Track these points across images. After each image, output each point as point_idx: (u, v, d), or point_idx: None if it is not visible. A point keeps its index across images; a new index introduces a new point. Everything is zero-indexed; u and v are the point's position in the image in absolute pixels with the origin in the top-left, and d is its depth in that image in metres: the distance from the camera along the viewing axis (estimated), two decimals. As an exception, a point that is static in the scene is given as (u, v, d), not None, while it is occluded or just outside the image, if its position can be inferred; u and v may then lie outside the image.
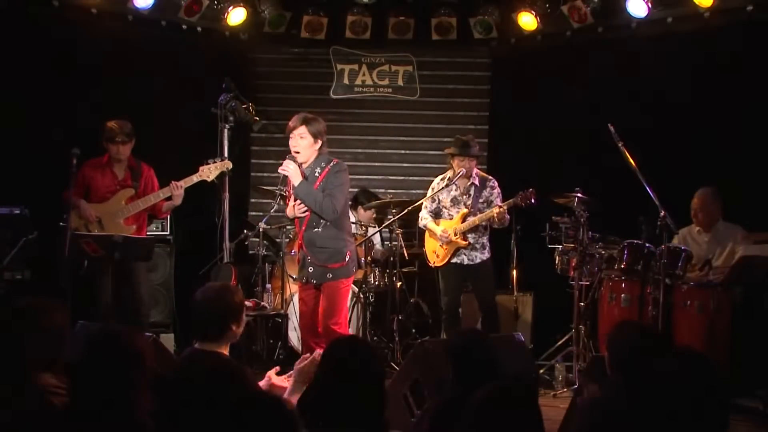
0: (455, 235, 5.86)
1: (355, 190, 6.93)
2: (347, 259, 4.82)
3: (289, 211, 4.96)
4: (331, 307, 4.79)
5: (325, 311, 4.80)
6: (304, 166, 4.82)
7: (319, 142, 4.81)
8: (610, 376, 3.09)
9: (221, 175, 5.59)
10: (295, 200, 4.86)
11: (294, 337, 6.17)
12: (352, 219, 6.81)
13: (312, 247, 4.81)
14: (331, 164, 4.83)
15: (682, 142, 6.48)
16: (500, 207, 5.73)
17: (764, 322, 5.14)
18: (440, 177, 6.08)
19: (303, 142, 4.77)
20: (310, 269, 4.83)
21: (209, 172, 5.49)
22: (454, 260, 5.94)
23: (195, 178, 5.49)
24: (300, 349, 6.08)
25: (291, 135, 4.81)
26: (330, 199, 4.73)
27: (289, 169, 4.78)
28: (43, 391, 2.53)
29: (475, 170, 6.01)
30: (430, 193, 6.08)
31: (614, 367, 3.05)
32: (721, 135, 6.32)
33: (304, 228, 4.85)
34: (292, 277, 6.48)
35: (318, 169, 4.82)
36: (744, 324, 5.24)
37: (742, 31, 6.15)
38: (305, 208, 4.81)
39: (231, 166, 5.61)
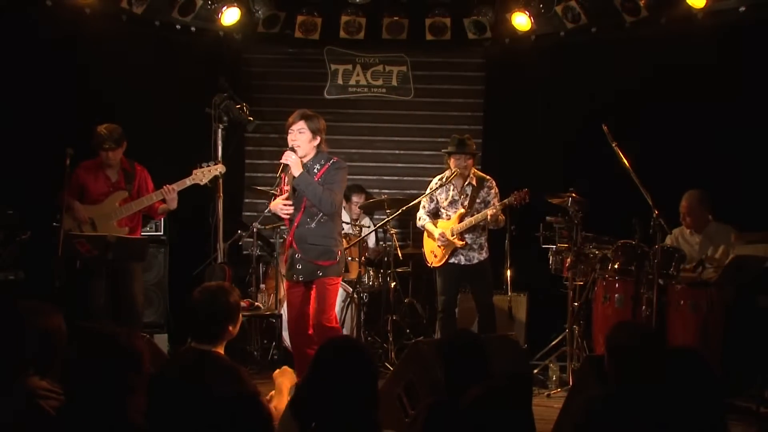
0: (452, 235, 5.87)
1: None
2: (338, 258, 4.80)
3: (273, 206, 4.89)
4: (322, 304, 4.76)
5: (316, 309, 4.77)
6: (303, 161, 4.79)
7: (318, 139, 4.80)
8: (608, 376, 3.10)
9: (214, 179, 5.58)
10: (287, 198, 4.82)
11: (288, 337, 6.16)
12: (345, 218, 6.83)
13: (303, 244, 4.77)
14: (331, 161, 4.82)
15: (676, 143, 6.50)
16: (494, 208, 5.74)
17: (757, 321, 5.15)
18: (438, 177, 6.08)
19: (302, 137, 4.76)
20: (299, 266, 4.78)
21: (202, 175, 5.49)
22: (451, 260, 5.95)
23: (188, 182, 5.48)
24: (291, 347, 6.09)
25: (290, 130, 4.80)
26: (330, 192, 4.71)
27: (291, 158, 4.74)
28: (32, 395, 2.51)
29: (473, 170, 6.02)
30: (427, 192, 6.09)
31: (612, 367, 3.06)
32: (714, 135, 6.34)
33: (296, 225, 4.80)
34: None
35: (317, 166, 4.79)
36: (737, 323, 5.26)
37: (735, 31, 6.17)
38: (290, 210, 4.78)
39: (224, 170, 5.60)
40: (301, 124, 4.77)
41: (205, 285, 3.31)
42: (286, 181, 4.88)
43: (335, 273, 4.81)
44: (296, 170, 4.73)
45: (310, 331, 4.82)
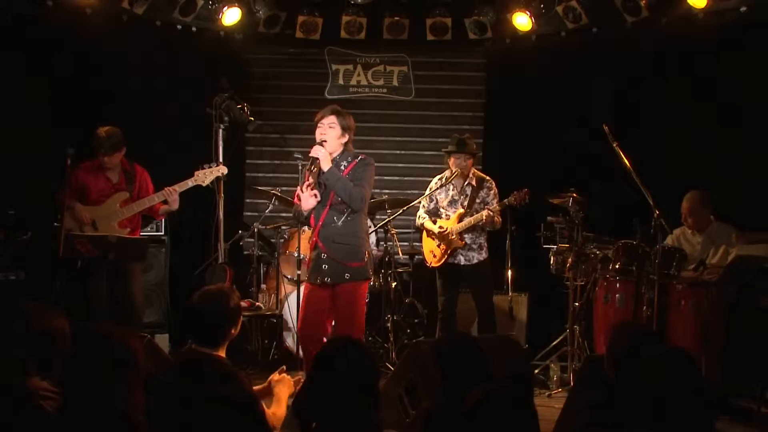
0: (452, 234, 5.87)
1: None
2: (366, 258, 4.59)
3: (303, 203, 4.59)
4: (350, 318, 4.55)
5: (342, 321, 4.57)
6: (330, 157, 4.59)
7: (347, 136, 4.62)
8: (608, 376, 3.09)
9: (216, 180, 5.58)
10: (313, 189, 4.58)
11: (289, 337, 6.17)
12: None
13: (329, 243, 4.55)
14: (359, 158, 4.64)
15: (677, 143, 6.50)
16: (489, 210, 5.73)
17: (758, 321, 5.15)
18: (438, 177, 6.08)
19: (332, 132, 4.56)
20: (325, 266, 4.54)
21: (204, 176, 5.49)
22: (451, 260, 5.94)
23: (190, 183, 5.49)
24: (294, 349, 6.07)
25: (319, 124, 4.60)
26: (360, 188, 4.52)
27: (320, 152, 4.51)
28: (33, 394, 2.52)
29: (473, 170, 6.02)
30: (427, 192, 6.09)
31: (612, 367, 3.05)
32: (715, 135, 6.34)
33: (320, 224, 4.60)
34: (287, 278, 6.48)
35: (344, 163, 4.61)
36: (738, 324, 5.26)
37: (736, 32, 6.17)
38: (313, 198, 4.54)
39: (226, 171, 5.60)
40: (332, 119, 4.58)
41: (205, 289, 3.28)
42: (310, 179, 4.62)
43: (363, 276, 4.59)
44: (325, 164, 4.52)
45: (325, 339, 4.61)
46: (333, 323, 4.70)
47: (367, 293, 4.75)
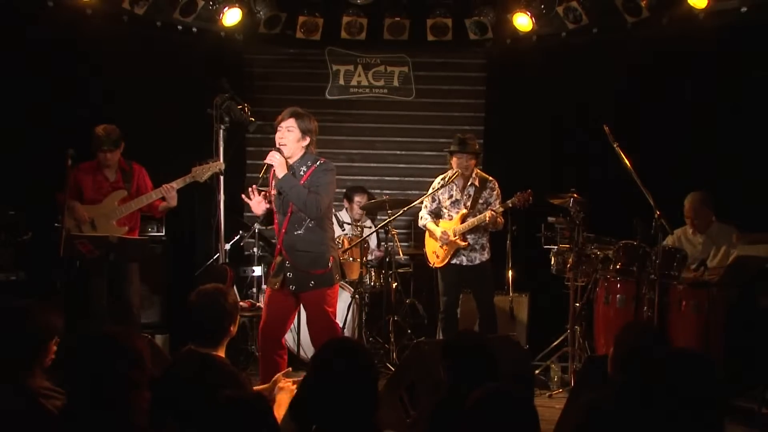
0: (454, 235, 5.87)
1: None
2: (330, 265, 4.51)
3: (254, 209, 4.63)
4: (321, 325, 4.50)
5: (315, 330, 4.56)
6: (290, 161, 4.54)
7: (307, 139, 4.53)
8: (612, 375, 3.09)
9: (213, 176, 5.58)
10: (266, 198, 4.58)
11: (290, 338, 6.15)
12: (347, 218, 6.83)
13: (292, 251, 4.49)
14: (318, 163, 4.53)
15: (678, 143, 6.50)
16: (492, 211, 5.73)
17: (759, 322, 5.15)
18: (441, 177, 6.07)
19: (290, 136, 4.49)
20: (289, 274, 4.49)
21: (201, 172, 5.48)
22: (453, 261, 5.94)
23: (187, 179, 5.48)
24: (295, 350, 6.08)
25: (278, 127, 4.55)
26: (315, 196, 4.42)
27: (275, 158, 4.46)
28: (35, 393, 2.52)
29: (475, 171, 6.01)
30: (429, 192, 6.08)
31: (619, 367, 3.05)
32: (715, 135, 6.34)
33: (284, 231, 4.53)
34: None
35: (304, 168, 4.52)
36: (739, 324, 5.25)
37: (737, 32, 6.17)
38: (259, 206, 4.55)
39: (223, 167, 5.59)
40: (290, 122, 4.50)
41: (200, 288, 3.28)
42: (273, 183, 4.60)
43: (328, 283, 4.51)
44: (280, 171, 4.46)
45: (283, 340, 4.64)
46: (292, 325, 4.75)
47: (336, 297, 4.65)
